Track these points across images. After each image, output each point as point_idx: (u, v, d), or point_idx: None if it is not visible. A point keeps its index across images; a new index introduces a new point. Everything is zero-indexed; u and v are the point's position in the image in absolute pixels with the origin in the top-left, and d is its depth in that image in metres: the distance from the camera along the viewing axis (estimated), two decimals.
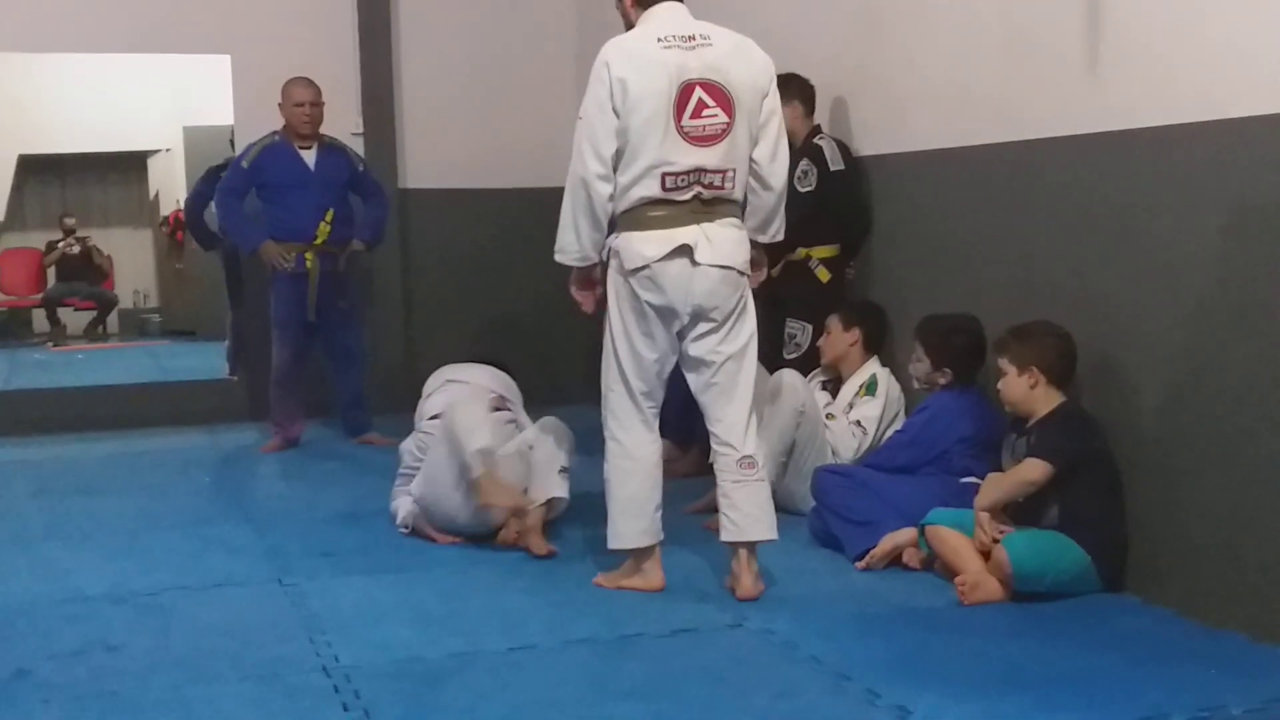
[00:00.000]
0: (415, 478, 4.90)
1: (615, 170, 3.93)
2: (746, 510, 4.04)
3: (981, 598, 3.91)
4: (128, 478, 6.31)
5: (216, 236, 7.86)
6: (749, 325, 4.11)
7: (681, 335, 4.05)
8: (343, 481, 6.03)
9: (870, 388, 5.08)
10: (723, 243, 3.97)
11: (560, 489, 4.77)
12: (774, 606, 3.97)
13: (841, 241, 5.40)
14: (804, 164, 5.28)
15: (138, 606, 4.12)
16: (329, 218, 6.61)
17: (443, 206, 7.90)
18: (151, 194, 14.08)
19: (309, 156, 6.67)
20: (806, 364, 5.27)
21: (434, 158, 7.90)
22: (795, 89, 5.37)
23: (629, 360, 4.05)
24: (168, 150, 13.29)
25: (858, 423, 5.02)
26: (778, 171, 4.08)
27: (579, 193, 3.97)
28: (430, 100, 7.89)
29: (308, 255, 6.62)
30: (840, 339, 5.16)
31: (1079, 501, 3.97)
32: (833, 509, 4.54)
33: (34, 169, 13.83)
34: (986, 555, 3.98)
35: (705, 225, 3.96)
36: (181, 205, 10.44)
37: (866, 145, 5.39)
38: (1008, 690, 3.22)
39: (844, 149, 5.33)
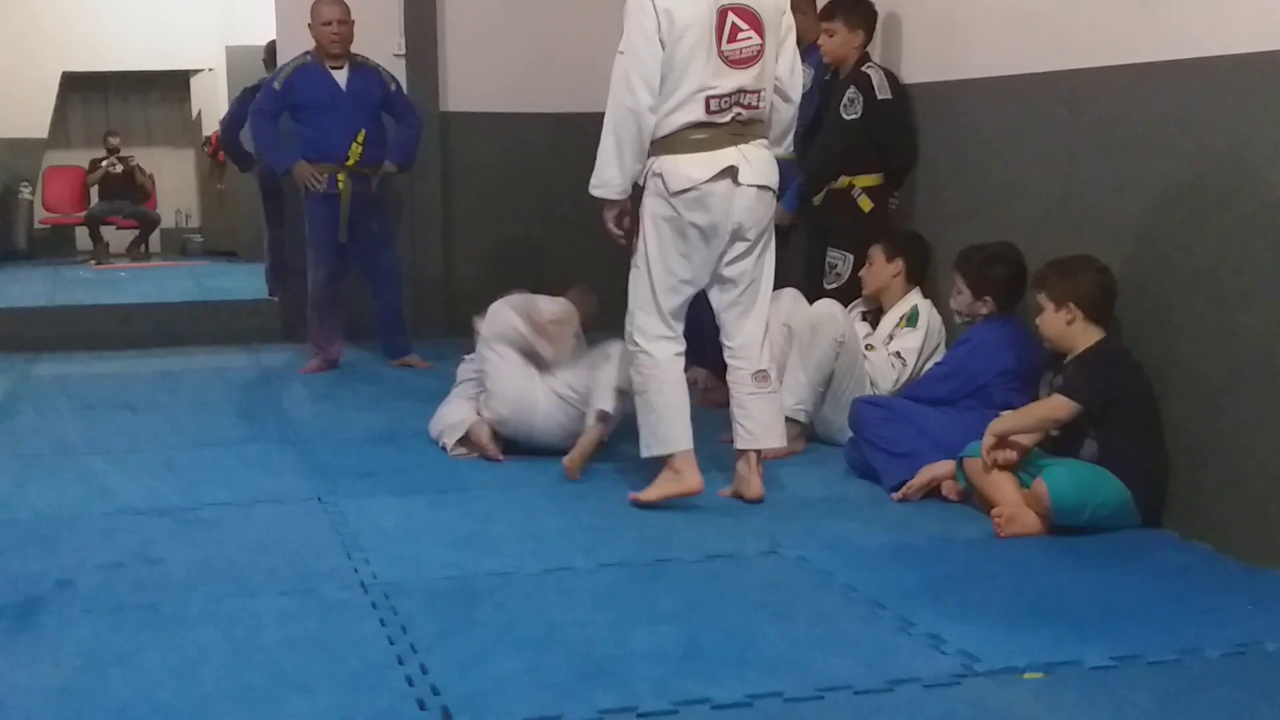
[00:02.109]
0: (484, 394, 4.93)
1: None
2: (760, 420, 4.23)
3: (1018, 530, 3.90)
4: (169, 395, 6.37)
5: (252, 157, 7.86)
6: (772, 247, 4.29)
7: (721, 255, 4.15)
8: (381, 403, 6.06)
9: (911, 319, 5.05)
10: (759, 162, 4.12)
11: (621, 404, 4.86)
12: (809, 535, 3.98)
13: (885, 171, 5.35)
14: (850, 92, 5.22)
15: (178, 521, 4.17)
16: (360, 138, 6.58)
17: (484, 130, 7.86)
18: (194, 114, 14.11)
19: (340, 77, 6.63)
20: (847, 294, 5.24)
21: (476, 81, 7.84)
22: (861, 16, 5.30)
23: (662, 279, 4.15)
24: (210, 70, 13.29)
25: (897, 354, 4.99)
26: (796, 85, 4.27)
27: (628, 125, 4.03)
28: (472, 23, 7.83)
29: (340, 176, 6.60)
30: (883, 269, 5.11)
31: (1117, 437, 3.94)
32: (870, 440, 4.53)
33: (77, 86, 13.87)
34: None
35: (743, 147, 4.09)
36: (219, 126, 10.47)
37: (916, 72, 5.32)
38: (1042, 621, 3.22)
39: (891, 78, 5.26)
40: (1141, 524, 3.95)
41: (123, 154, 13.69)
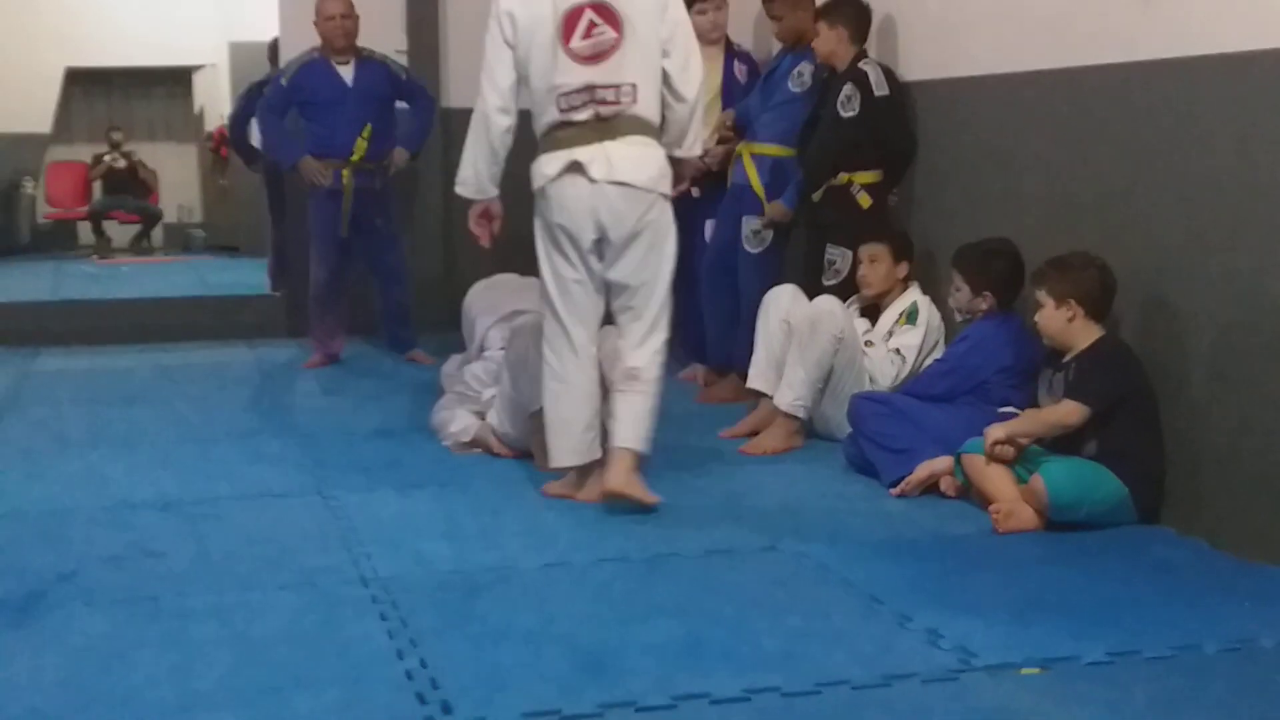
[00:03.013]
0: (495, 407, 4.90)
1: (516, 101, 4.11)
2: (622, 417, 4.13)
3: (1016, 526, 3.91)
4: (170, 390, 6.37)
5: (258, 152, 7.87)
6: (664, 249, 4.17)
7: (601, 258, 4.12)
8: (383, 398, 6.07)
9: (911, 316, 5.05)
10: (623, 160, 4.03)
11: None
12: (808, 530, 3.99)
13: (884, 167, 5.34)
14: (848, 89, 5.22)
15: (180, 514, 4.18)
16: (366, 133, 6.59)
17: None
18: (196, 109, 14.11)
19: (346, 72, 6.64)
20: (846, 290, 5.24)
21: (477, 78, 7.79)
22: (845, 14, 5.29)
23: (551, 281, 4.17)
24: (213, 65, 13.29)
25: (896, 350, 5.00)
26: (690, 81, 4.15)
27: (478, 126, 4.16)
28: (474, 20, 7.69)
29: (344, 172, 6.62)
30: (891, 273, 5.11)
31: (1118, 434, 3.95)
32: (869, 436, 4.53)
33: (81, 82, 13.87)
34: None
35: (607, 143, 4.04)
36: (225, 121, 10.48)
37: (915, 69, 5.32)
38: (1039, 617, 3.23)
39: (889, 74, 5.26)
40: (1139, 520, 3.96)
41: (125, 149, 13.69)
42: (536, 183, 4.12)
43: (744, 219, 5.81)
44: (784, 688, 2.82)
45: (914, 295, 5.10)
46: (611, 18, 4.03)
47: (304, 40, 6.82)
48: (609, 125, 4.04)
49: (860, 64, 5.23)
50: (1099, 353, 4.02)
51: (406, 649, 3.04)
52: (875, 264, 5.12)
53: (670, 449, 4.86)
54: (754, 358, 5.23)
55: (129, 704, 2.76)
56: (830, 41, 5.30)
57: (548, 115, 4.07)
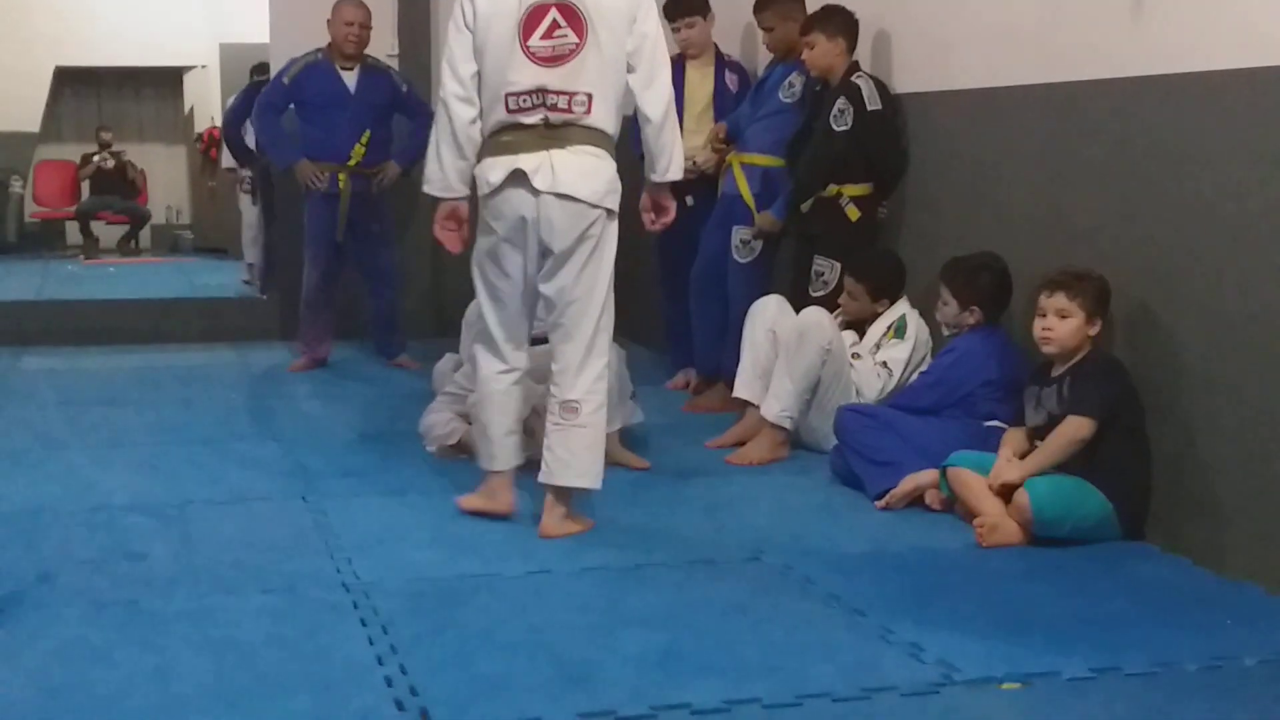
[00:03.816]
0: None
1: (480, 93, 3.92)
2: (559, 454, 3.96)
3: (1000, 540, 3.90)
4: (155, 391, 6.36)
5: (253, 153, 7.86)
6: (600, 266, 3.97)
7: (538, 269, 3.98)
8: (369, 403, 6.06)
9: (899, 329, 5.04)
10: (568, 170, 3.86)
11: (636, 415, 4.95)
12: (792, 542, 3.98)
13: (875, 181, 5.34)
14: (840, 102, 5.21)
15: (161, 517, 4.17)
16: (364, 139, 6.61)
17: None
18: (186, 110, 14.09)
19: (349, 78, 6.66)
20: (833, 301, 5.23)
21: None
22: (838, 24, 5.29)
23: (483, 286, 4.05)
24: (203, 67, 13.28)
25: (884, 364, 4.99)
26: (654, 100, 3.94)
27: (441, 116, 3.97)
28: None
29: (341, 176, 6.62)
30: (869, 307, 5.11)
31: (1105, 449, 3.94)
32: (855, 448, 4.53)
33: (70, 81, 13.86)
34: (1003, 494, 3.97)
35: (554, 151, 3.87)
36: (215, 122, 10.47)
37: (906, 82, 5.32)
38: (1021, 632, 3.23)
39: (882, 87, 5.25)
40: (1123, 536, 3.96)
41: (114, 149, 13.67)
42: (481, 189, 3.96)
43: (734, 229, 5.82)
44: (765, 699, 2.81)
45: (902, 308, 5.09)
46: (576, 21, 3.84)
47: (294, 42, 6.84)
48: (558, 133, 3.87)
49: (854, 77, 5.23)
50: (1096, 364, 3.99)
51: (386, 655, 3.03)
52: (853, 299, 5.12)
53: (657, 458, 4.88)
54: (740, 367, 5.23)
55: (107, 707, 2.75)
56: (829, 54, 5.28)
57: (496, 114, 3.89)
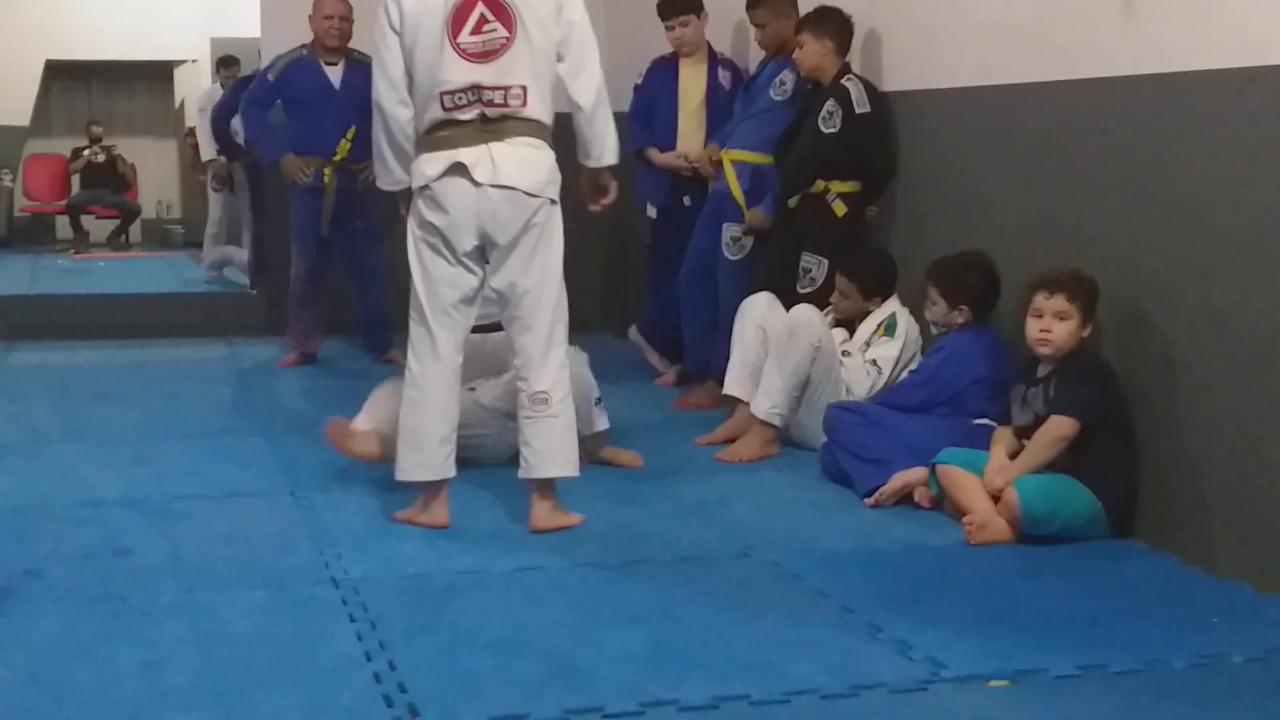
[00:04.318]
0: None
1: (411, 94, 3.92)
2: (537, 447, 3.97)
3: (988, 538, 3.91)
4: (145, 386, 6.35)
5: (241, 148, 7.86)
6: (549, 255, 3.97)
7: (483, 266, 3.96)
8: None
9: (890, 328, 5.04)
10: (507, 162, 3.86)
11: (602, 421, 4.82)
12: (781, 539, 3.99)
13: (863, 180, 5.34)
14: (829, 105, 5.21)
15: (149, 512, 4.16)
16: (350, 135, 6.59)
17: None
18: (177, 104, 14.06)
19: (334, 73, 6.65)
20: (821, 298, 5.23)
21: None
22: (830, 26, 5.29)
23: (421, 281, 3.99)
24: (194, 61, 13.25)
25: (873, 362, 4.99)
26: (584, 88, 3.96)
27: (378, 117, 3.97)
28: None
29: (326, 171, 6.61)
30: (861, 306, 5.11)
31: (1093, 448, 3.94)
32: (844, 445, 4.53)
33: (61, 75, 13.82)
34: (997, 498, 3.98)
35: (493, 145, 3.87)
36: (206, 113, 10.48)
37: (896, 80, 5.33)
38: (1009, 630, 3.23)
39: (871, 90, 5.25)
40: (1111, 534, 3.96)
41: (105, 143, 13.64)
42: (416, 182, 3.93)
43: (724, 226, 5.82)
44: (753, 695, 2.82)
45: (893, 306, 5.09)
46: (504, 15, 3.82)
47: (285, 36, 6.84)
48: (495, 126, 3.87)
49: (844, 80, 5.23)
50: (1082, 365, 4.00)
51: (375, 651, 3.03)
52: (844, 298, 5.12)
53: (646, 455, 4.87)
54: (730, 364, 5.23)
55: (95, 702, 2.74)
56: (816, 54, 5.29)
57: (431, 112, 3.87)
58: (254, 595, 3.42)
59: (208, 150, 10.50)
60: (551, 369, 3.99)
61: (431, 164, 3.90)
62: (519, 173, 3.88)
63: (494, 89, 3.85)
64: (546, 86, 3.93)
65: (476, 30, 3.82)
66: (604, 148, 4.06)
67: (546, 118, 3.95)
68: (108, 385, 6.35)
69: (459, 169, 3.86)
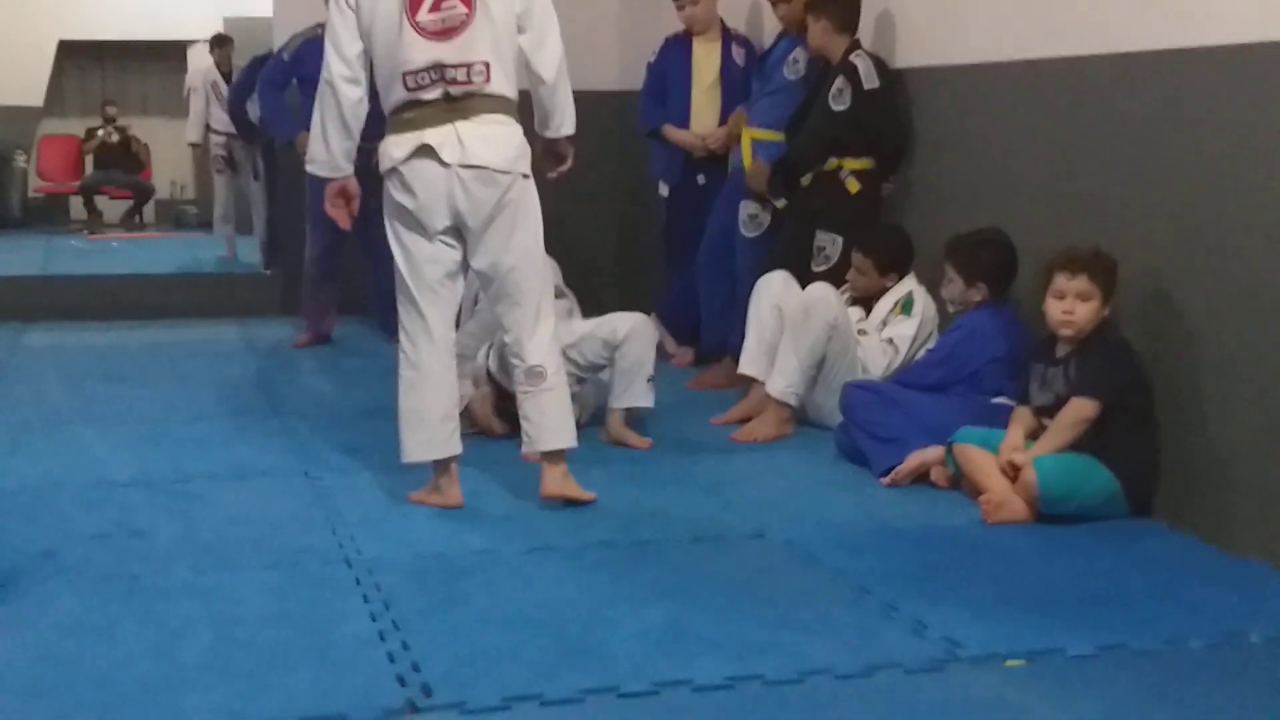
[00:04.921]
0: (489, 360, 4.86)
1: (366, 72, 3.87)
2: (536, 420, 3.98)
3: (1006, 517, 3.89)
4: (159, 367, 6.35)
5: (257, 128, 7.84)
6: (528, 229, 3.95)
7: (459, 245, 3.93)
8: (372, 378, 6.04)
9: (906, 306, 5.02)
10: (475, 141, 3.82)
11: (647, 398, 4.81)
12: (797, 519, 3.97)
13: (876, 157, 5.31)
14: (839, 82, 5.18)
15: (163, 493, 4.16)
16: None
17: None
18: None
19: None
20: (836, 276, 5.21)
21: None
22: (827, 5, 5.25)
23: (403, 263, 3.95)
24: (207, 40, 13.21)
25: (890, 341, 4.97)
26: (547, 61, 3.94)
27: (326, 97, 3.88)
28: None
29: None
30: (878, 282, 5.08)
31: (1112, 428, 3.92)
32: (860, 424, 4.51)
33: (73, 55, 13.81)
34: (1015, 477, 3.95)
35: (459, 124, 3.81)
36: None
37: (912, 56, 5.29)
38: (1026, 609, 3.21)
39: (881, 66, 5.21)
40: (1130, 513, 3.94)
41: (119, 123, 13.63)
42: (384, 165, 3.88)
43: (741, 203, 5.80)
44: (768, 675, 2.80)
45: (910, 284, 5.06)
46: None
47: (297, 15, 6.81)
48: (460, 105, 3.81)
49: (851, 56, 5.20)
50: (1104, 346, 3.96)
51: (389, 631, 3.02)
52: (861, 274, 5.09)
53: (661, 436, 4.87)
54: (745, 344, 5.21)
55: (109, 681, 2.74)
56: (816, 34, 5.27)
57: (395, 94, 3.83)
58: (267, 575, 3.41)
59: (193, 133, 10.52)
60: (543, 341, 3.98)
61: (398, 146, 3.86)
62: (488, 151, 3.83)
63: (456, 66, 3.79)
64: (510, 61, 3.88)
65: (435, 8, 3.76)
66: (564, 117, 4.07)
67: (511, 93, 3.90)
68: (121, 366, 6.35)
69: (426, 150, 3.82)
